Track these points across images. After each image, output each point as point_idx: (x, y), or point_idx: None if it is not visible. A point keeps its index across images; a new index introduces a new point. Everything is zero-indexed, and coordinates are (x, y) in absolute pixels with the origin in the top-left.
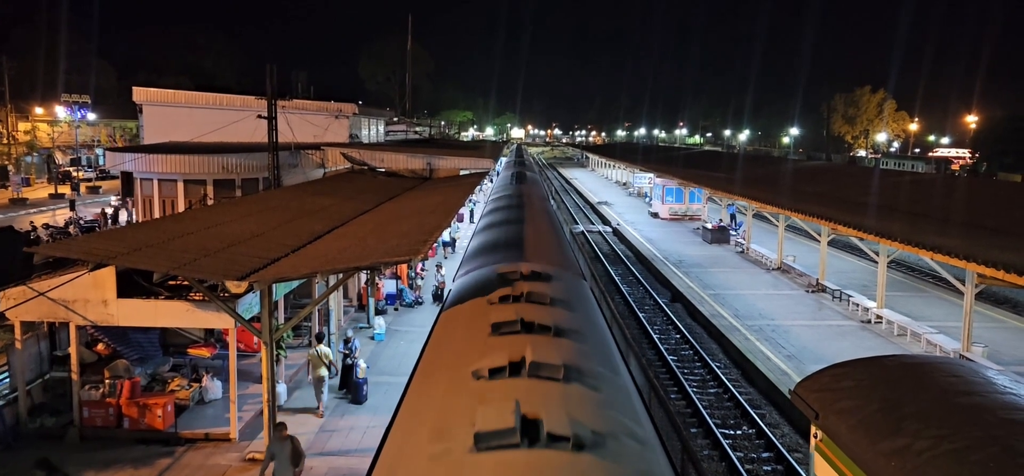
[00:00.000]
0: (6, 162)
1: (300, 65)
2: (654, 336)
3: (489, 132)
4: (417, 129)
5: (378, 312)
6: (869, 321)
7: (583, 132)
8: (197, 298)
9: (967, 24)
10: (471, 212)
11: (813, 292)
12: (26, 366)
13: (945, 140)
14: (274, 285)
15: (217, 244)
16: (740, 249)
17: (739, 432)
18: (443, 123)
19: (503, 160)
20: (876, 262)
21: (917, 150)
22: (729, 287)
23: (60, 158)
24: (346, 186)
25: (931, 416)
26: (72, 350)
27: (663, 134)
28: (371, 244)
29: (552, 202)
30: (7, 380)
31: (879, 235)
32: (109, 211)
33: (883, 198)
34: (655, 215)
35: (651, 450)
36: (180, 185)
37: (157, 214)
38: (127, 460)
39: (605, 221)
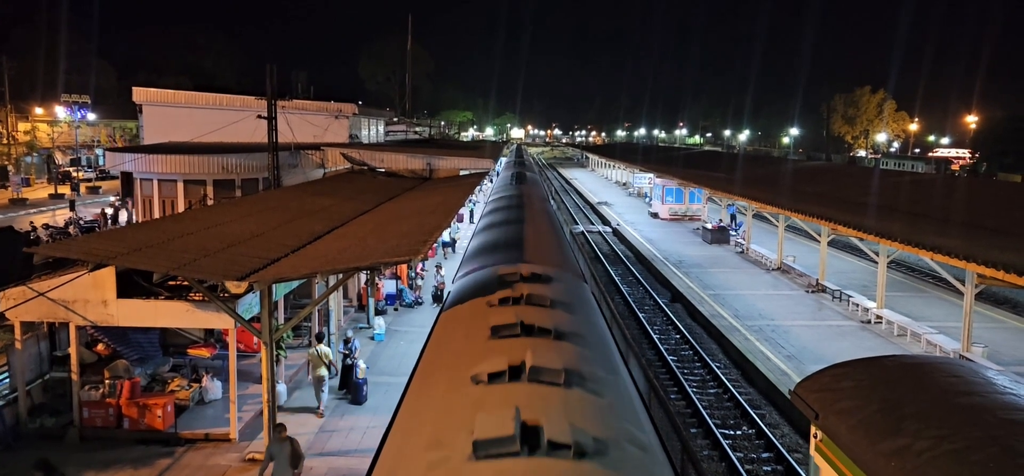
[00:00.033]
0: (6, 162)
1: (300, 65)
2: (654, 336)
3: (489, 132)
4: (417, 129)
5: (378, 312)
6: (869, 321)
7: (583, 132)
8: (197, 298)
9: (967, 24)
10: (471, 212)
11: (813, 292)
12: (26, 366)
13: (945, 140)
14: (274, 285)
15: (217, 244)
16: (740, 249)
17: (739, 432)
18: (443, 123)
19: (503, 160)
20: (876, 262)
21: (917, 150)
22: (729, 287)
23: (60, 158)
24: (346, 186)
25: (931, 416)
26: (72, 350)
27: (663, 134)
28: (371, 244)
29: (552, 202)
30: (7, 380)
31: (879, 235)
32: (109, 211)
33: (883, 198)
34: (655, 215)
35: (654, 457)
36: (180, 185)
37: (157, 214)
38: (127, 460)
39: (605, 221)
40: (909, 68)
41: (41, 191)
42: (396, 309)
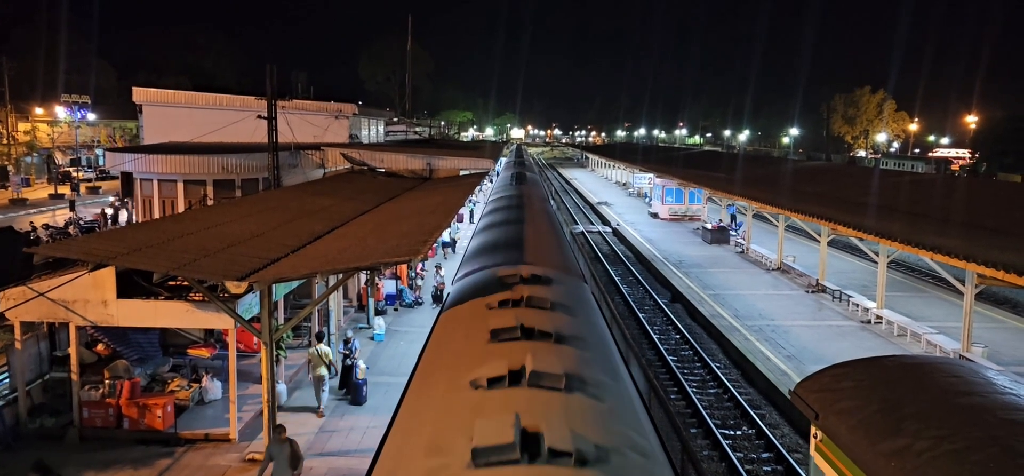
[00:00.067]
0: (6, 162)
1: (300, 65)
2: (654, 336)
3: (489, 132)
4: (417, 129)
5: (378, 312)
6: (869, 321)
7: (583, 132)
8: (197, 298)
9: (967, 24)
10: (471, 212)
11: (813, 292)
12: (26, 366)
13: (945, 140)
14: (274, 285)
15: (217, 244)
16: (740, 249)
17: (739, 432)
18: (443, 123)
19: (503, 160)
20: (876, 262)
21: (917, 150)
22: (729, 287)
23: (60, 158)
24: (346, 186)
25: (931, 417)
26: (72, 350)
27: (663, 134)
28: (371, 244)
29: (552, 203)
30: (7, 380)
31: (879, 235)
32: (109, 212)
33: (883, 198)
34: (655, 215)
35: (656, 464)
36: (180, 185)
37: (157, 214)
38: (127, 461)
39: (605, 221)
40: (909, 68)
41: (41, 191)
42: (396, 309)
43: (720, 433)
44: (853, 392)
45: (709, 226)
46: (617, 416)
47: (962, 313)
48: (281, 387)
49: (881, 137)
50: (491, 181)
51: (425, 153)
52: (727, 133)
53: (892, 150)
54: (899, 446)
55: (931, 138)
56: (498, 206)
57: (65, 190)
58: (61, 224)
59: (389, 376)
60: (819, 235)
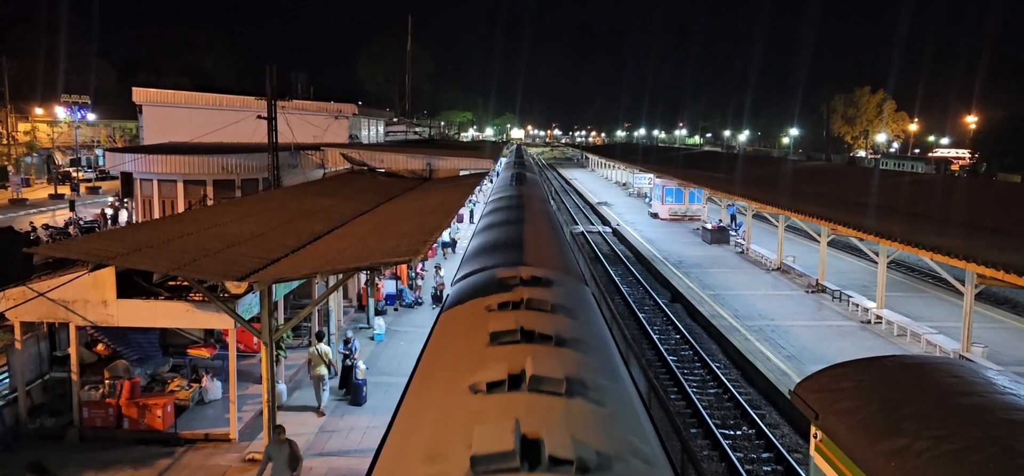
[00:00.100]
0: (6, 163)
1: (300, 66)
2: (654, 336)
3: (489, 133)
4: (417, 129)
5: (378, 312)
6: (869, 321)
7: (583, 132)
8: (197, 299)
9: (967, 24)
10: (471, 212)
11: (813, 292)
12: (26, 366)
13: (945, 140)
14: (274, 285)
15: (217, 244)
16: (740, 249)
17: (739, 432)
18: (443, 123)
19: (503, 161)
20: (876, 262)
21: (917, 150)
22: (729, 287)
23: (60, 159)
24: (346, 187)
25: (931, 417)
26: (72, 350)
27: (663, 135)
28: (371, 244)
29: (552, 203)
30: (7, 380)
31: (879, 235)
32: (109, 212)
33: (883, 198)
34: (655, 215)
35: (659, 470)
36: (180, 186)
37: (157, 215)
38: (127, 461)
39: (605, 221)
40: (909, 68)
41: (41, 191)
42: (396, 309)
43: (720, 433)
44: (853, 392)
45: (709, 226)
46: (619, 421)
47: (962, 313)
48: (281, 387)
49: (881, 137)
50: (491, 181)
51: (425, 153)
52: (727, 133)
53: (892, 150)
54: (899, 446)
55: (931, 138)
56: (498, 206)
57: (65, 190)
58: (61, 224)
59: (389, 376)
60: (819, 235)
